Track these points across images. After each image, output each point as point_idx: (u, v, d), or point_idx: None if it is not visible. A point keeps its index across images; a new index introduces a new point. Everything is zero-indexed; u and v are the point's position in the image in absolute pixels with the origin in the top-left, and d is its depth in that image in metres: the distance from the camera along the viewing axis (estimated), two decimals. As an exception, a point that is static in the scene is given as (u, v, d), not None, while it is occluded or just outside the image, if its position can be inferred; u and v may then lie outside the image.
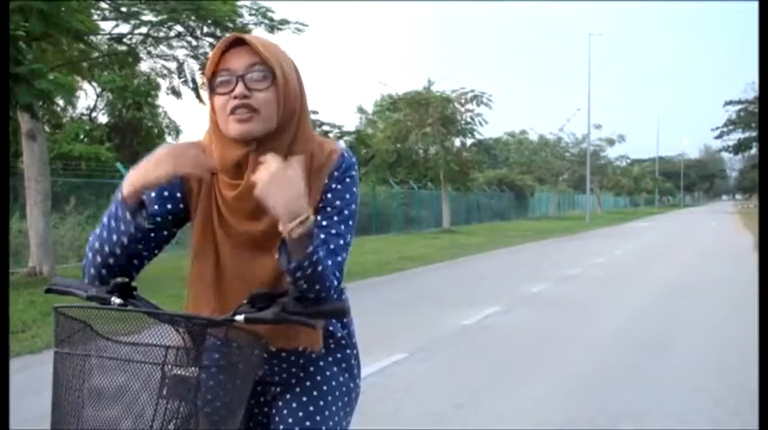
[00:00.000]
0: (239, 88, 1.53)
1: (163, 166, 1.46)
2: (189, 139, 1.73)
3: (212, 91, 1.58)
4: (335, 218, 1.62)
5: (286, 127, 1.59)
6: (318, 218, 1.60)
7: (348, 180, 1.65)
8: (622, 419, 4.65)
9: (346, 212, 1.63)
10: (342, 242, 1.61)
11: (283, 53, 1.61)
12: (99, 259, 1.58)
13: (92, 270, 1.60)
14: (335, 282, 1.56)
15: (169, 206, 1.67)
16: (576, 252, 19.65)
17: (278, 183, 1.42)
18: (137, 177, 1.49)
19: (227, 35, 1.62)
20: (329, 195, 1.63)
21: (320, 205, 1.62)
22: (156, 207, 1.65)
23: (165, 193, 1.66)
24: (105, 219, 1.56)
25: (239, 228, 1.61)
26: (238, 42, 1.57)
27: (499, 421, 4.59)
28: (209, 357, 1.39)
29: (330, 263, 1.56)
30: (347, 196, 1.64)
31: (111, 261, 1.57)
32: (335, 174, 1.64)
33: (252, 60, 1.55)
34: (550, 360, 6.44)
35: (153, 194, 1.64)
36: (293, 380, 1.71)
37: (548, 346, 7.05)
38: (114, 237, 1.54)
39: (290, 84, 1.59)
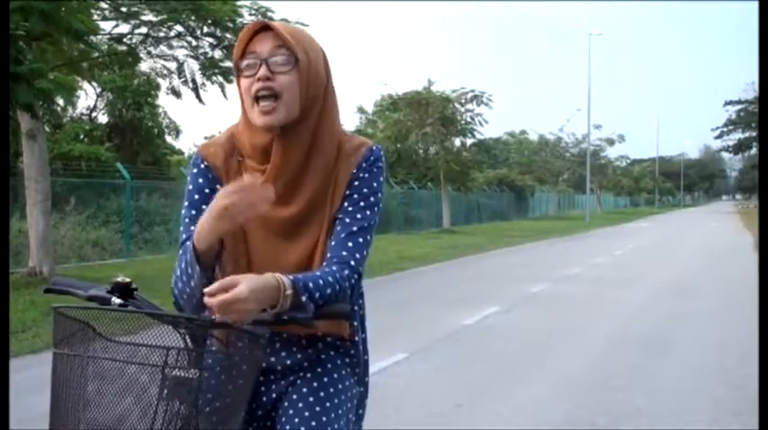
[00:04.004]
0: (262, 71, 1.57)
1: (225, 222, 1.47)
2: (224, 130, 1.77)
3: (239, 73, 1.62)
4: (361, 203, 1.66)
5: (309, 113, 1.61)
6: (345, 204, 1.65)
7: (375, 170, 1.69)
8: (622, 419, 4.65)
9: (372, 199, 1.67)
10: (365, 224, 1.65)
11: (310, 40, 1.64)
12: (194, 300, 1.57)
13: (190, 304, 1.60)
14: (344, 283, 1.59)
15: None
16: (576, 252, 19.65)
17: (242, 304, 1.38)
18: (205, 232, 1.49)
19: (255, 20, 1.66)
20: (356, 183, 1.67)
21: (347, 192, 1.66)
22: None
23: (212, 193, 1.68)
24: (182, 271, 1.56)
25: (267, 213, 1.61)
26: (266, 27, 1.61)
27: (499, 421, 4.59)
28: (211, 358, 1.38)
29: (351, 244, 1.62)
30: (374, 184, 1.68)
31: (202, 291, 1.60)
32: (363, 165, 1.68)
33: (276, 45, 1.59)
34: (550, 360, 6.43)
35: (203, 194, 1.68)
36: (303, 374, 1.69)
37: (548, 346, 7.05)
38: (194, 282, 1.54)
39: (315, 69, 1.62)
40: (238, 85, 1.63)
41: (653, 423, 4.59)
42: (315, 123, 1.63)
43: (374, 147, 1.70)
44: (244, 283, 1.37)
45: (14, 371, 5.00)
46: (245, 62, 1.61)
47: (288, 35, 1.59)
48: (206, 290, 1.37)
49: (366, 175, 1.67)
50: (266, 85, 1.57)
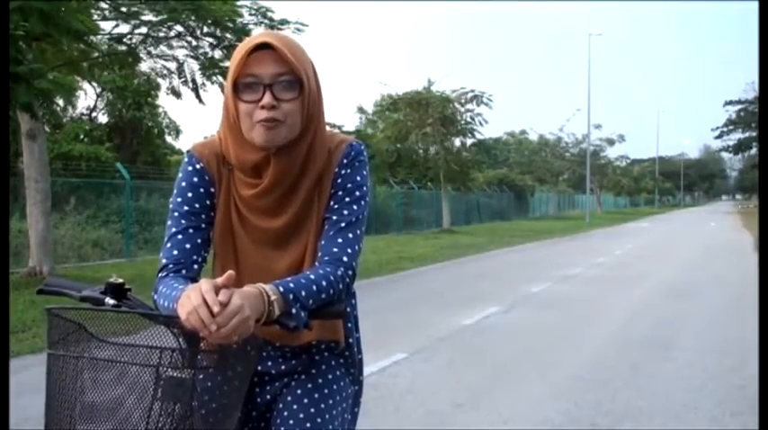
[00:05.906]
0: (267, 98, 1.52)
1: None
2: (210, 136, 1.74)
3: (236, 93, 1.54)
4: (347, 199, 1.65)
5: (307, 131, 1.60)
6: (331, 202, 1.64)
7: (357, 164, 1.67)
8: (622, 419, 4.64)
9: (357, 193, 1.66)
10: (353, 219, 1.63)
11: (303, 53, 1.58)
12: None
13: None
14: (338, 284, 1.56)
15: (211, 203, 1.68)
16: (576, 252, 19.65)
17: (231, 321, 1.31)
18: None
19: (253, 37, 1.57)
20: (339, 180, 1.66)
21: (332, 191, 1.65)
22: (207, 211, 1.66)
23: (207, 202, 1.66)
24: (165, 300, 1.49)
25: (258, 225, 1.63)
26: (264, 44, 1.53)
27: (499, 421, 4.59)
28: (206, 358, 1.38)
29: (341, 241, 1.60)
30: (357, 178, 1.66)
31: None
32: (344, 161, 1.66)
33: (279, 69, 1.53)
34: (550, 360, 6.43)
35: (201, 204, 1.65)
36: (297, 376, 1.70)
37: (548, 346, 7.04)
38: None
39: (314, 89, 1.59)
40: (234, 105, 1.55)
41: (653, 423, 4.58)
42: (311, 138, 1.61)
43: (353, 143, 1.69)
44: (235, 297, 1.32)
45: (14, 372, 5.00)
46: (243, 83, 1.53)
47: (291, 57, 1.53)
48: (205, 334, 1.30)
49: (348, 171, 1.66)
50: (271, 115, 1.52)
